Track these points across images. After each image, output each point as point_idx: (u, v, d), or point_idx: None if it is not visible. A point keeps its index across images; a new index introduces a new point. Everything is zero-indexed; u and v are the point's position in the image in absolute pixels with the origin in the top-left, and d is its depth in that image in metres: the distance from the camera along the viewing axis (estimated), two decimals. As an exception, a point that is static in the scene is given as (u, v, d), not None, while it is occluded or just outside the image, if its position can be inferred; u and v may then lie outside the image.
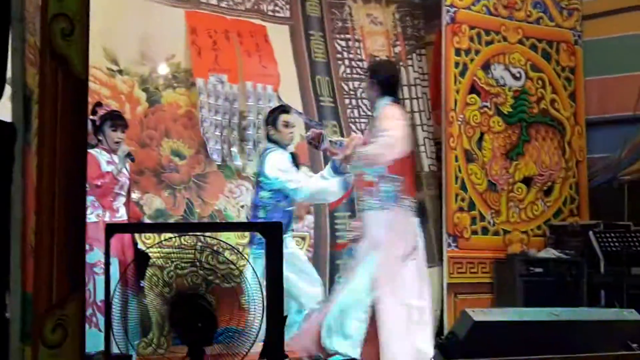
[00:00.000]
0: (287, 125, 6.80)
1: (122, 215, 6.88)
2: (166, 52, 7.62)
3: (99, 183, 6.47)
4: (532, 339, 4.83)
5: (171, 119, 7.57)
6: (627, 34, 9.24)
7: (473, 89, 8.66)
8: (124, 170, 6.82)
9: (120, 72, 7.37)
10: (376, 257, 6.03)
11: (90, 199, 6.42)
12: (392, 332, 5.90)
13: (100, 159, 6.82)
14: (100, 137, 6.85)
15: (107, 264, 4.48)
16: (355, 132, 8.26)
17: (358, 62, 8.64)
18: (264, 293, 4.42)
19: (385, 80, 6.33)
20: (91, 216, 6.49)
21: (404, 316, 5.95)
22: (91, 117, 6.69)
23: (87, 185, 6.24)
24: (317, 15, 8.55)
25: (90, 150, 6.54)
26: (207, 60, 7.69)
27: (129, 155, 6.83)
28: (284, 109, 6.98)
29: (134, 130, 7.31)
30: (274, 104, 7.76)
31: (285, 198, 6.69)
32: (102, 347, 6.18)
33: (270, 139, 6.81)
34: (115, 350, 4.72)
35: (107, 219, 6.66)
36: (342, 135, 7.86)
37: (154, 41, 7.54)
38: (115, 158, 6.86)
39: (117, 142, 6.92)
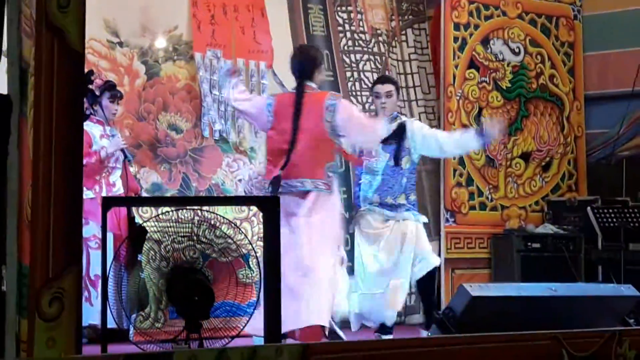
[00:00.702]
0: (378, 96, 6.92)
1: (118, 189, 6.88)
2: (168, 24, 7.57)
3: (84, 162, 6.44)
4: (530, 314, 4.83)
5: (169, 92, 7.54)
6: (626, 9, 9.19)
7: (472, 64, 8.62)
8: (120, 142, 6.80)
9: (120, 44, 7.34)
10: None
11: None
12: None
13: (94, 132, 6.80)
14: (95, 108, 6.84)
15: (104, 237, 4.48)
16: (356, 105, 8.26)
17: (360, 35, 8.57)
18: (262, 268, 4.42)
19: (299, 65, 6.30)
20: (88, 192, 6.48)
21: None
22: (89, 86, 6.69)
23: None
24: (318, -13, 8.50)
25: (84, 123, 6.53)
26: (206, 34, 7.66)
27: (124, 152, 6.81)
28: (379, 79, 7.24)
29: (132, 104, 7.29)
30: (268, 80, 7.76)
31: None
32: (92, 321, 6.24)
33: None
34: (111, 324, 4.72)
35: (103, 193, 6.66)
36: None
37: (155, 13, 7.49)
38: (109, 130, 6.86)
39: (114, 114, 6.91)
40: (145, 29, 7.46)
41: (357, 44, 8.56)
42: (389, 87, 6.87)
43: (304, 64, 6.30)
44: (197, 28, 7.62)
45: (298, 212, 6.03)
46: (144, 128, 7.35)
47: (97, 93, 6.79)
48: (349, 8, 8.56)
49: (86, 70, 6.74)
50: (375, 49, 8.61)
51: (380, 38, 8.68)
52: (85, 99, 6.64)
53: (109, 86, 6.88)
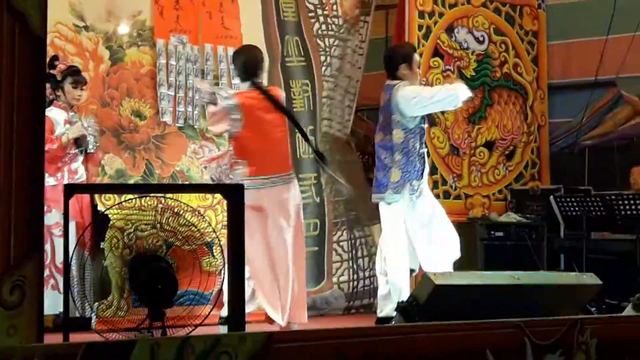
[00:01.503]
0: (419, 66, 7.25)
1: (80, 176, 6.82)
2: (132, 9, 7.52)
3: (46, 148, 6.41)
4: (493, 302, 4.84)
5: (133, 78, 7.49)
6: (590, -2, 9.27)
7: (436, 52, 8.64)
8: (81, 128, 6.74)
9: (86, 28, 7.28)
10: None
11: None
12: None
13: (58, 118, 6.74)
14: (58, 93, 6.77)
15: (66, 225, 4.44)
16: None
17: (334, 19, 8.50)
18: (225, 256, 4.40)
19: (243, 65, 6.51)
20: (49, 179, 6.42)
21: None
22: (51, 71, 6.62)
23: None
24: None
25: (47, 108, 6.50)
26: (169, 20, 7.61)
27: (81, 139, 6.75)
28: (414, 48, 7.45)
29: (96, 90, 7.23)
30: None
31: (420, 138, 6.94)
32: (61, 309, 6.19)
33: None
34: (74, 313, 4.69)
35: (65, 180, 6.60)
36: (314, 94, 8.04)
37: (121, -3, 7.46)
38: (71, 116, 6.80)
39: (77, 99, 6.85)
40: (110, 13, 7.40)
41: (330, 27, 8.50)
42: None
43: (254, 63, 6.54)
44: (160, 14, 7.57)
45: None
46: (107, 114, 7.29)
47: (59, 78, 6.72)
48: (322, -8, 8.51)
49: (51, 54, 6.70)
50: (345, 35, 8.57)
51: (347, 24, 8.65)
52: (47, 84, 6.60)
53: (72, 71, 6.81)
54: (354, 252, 8.39)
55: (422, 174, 6.86)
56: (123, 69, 7.43)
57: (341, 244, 8.36)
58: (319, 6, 8.42)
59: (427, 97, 6.77)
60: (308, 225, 7.84)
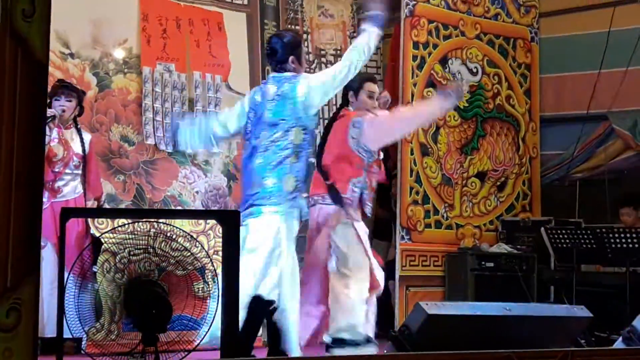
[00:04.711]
0: (371, 96, 6.47)
1: (63, 196, 6.80)
2: (119, 37, 7.62)
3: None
4: (485, 333, 4.85)
5: (121, 105, 7.55)
6: (583, 32, 9.32)
7: (430, 83, 8.69)
8: (73, 148, 6.77)
9: (71, 55, 7.34)
10: None
11: None
12: None
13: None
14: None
15: (62, 248, 4.44)
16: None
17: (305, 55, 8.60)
18: (220, 282, 4.41)
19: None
20: None
21: None
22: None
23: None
24: (273, 4, 8.54)
25: None
26: (156, 48, 7.68)
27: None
28: (370, 77, 6.78)
29: (85, 115, 7.27)
30: (222, 94, 7.77)
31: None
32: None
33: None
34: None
35: (45, 199, 6.53)
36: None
37: (107, 25, 7.54)
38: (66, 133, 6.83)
39: (63, 110, 6.86)
40: (96, 41, 7.48)
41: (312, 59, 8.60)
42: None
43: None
44: (147, 42, 7.65)
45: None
46: (97, 139, 7.33)
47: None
48: (296, 27, 8.60)
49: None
50: (317, 70, 8.62)
51: (323, 59, 8.72)
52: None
53: (61, 85, 6.88)
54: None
55: None
56: (110, 96, 7.50)
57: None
58: (305, 39, 8.50)
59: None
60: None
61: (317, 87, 5.76)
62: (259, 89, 5.97)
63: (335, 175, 6.17)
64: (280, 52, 5.85)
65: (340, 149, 6.22)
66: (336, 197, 6.12)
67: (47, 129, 6.76)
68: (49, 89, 6.77)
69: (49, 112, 6.54)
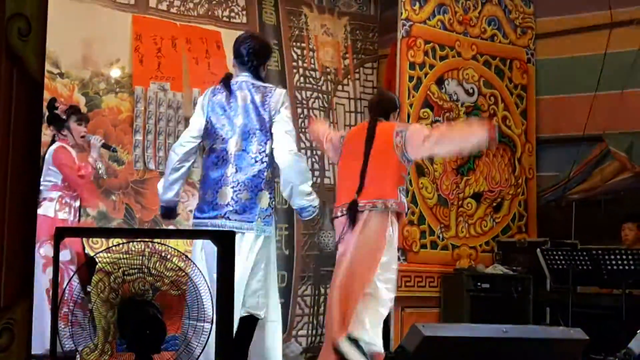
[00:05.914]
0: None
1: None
2: (110, 57, 7.58)
3: (83, 173, 6.62)
4: (481, 354, 4.84)
5: (111, 124, 7.53)
6: (579, 54, 9.34)
7: (426, 103, 8.69)
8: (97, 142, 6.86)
9: (61, 75, 7.31)
10: None
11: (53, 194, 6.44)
12: None
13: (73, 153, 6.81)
14: (65, 133, 6.82)
15: (56, 267, 4.40)
16: (304, 142, 8.30)
17: (311, 72, 8.63)
18: (214, 302, 4.38)
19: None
20: (62, 213, 6.53)
21: None
22: (55, 112, 6.71)
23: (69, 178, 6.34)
24: (273, 23, 8.51)
25: (63, 145, 6.68)
26: (150, 67, 7.66)
27: (105, 145, 6.86)
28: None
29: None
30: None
31: None
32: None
33: None
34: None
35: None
36: None
37: (98, 45, 7.49)
38: (88, 137, 6.89)
39: (82, 137, 6.91)
40: (86, 60, 7.45)
41: (307, 81, 8.60)
42: None
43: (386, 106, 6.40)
44: (139, 62, 7.63)
45: None
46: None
47: (64, 117, 6.80)
48: (302, 44, 8.60)
49: (49, 97, 6.78)
50: (324, 88, 8.65)
51: (328, 77, 8.73)
52: (52, 125, 6.68)
53: (75, 110, 6.91)
54: (315, 307, 8.39)
55: None
56: (100, 115, 7.47)
57: (305, 298, 8.36)
58: (300, 57, 8.51)
59: None
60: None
61: (279, 125, 5.34)
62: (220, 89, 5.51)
63: (384, 182, 6.11)
64: (257, 58, 5.54)
65: (388, 157, 6.18)
66: (386, 204, 6.05)
67: (73, 150, 6.82)
68: (63, 106, 6.84)
69: (97, 138, 6.85)
